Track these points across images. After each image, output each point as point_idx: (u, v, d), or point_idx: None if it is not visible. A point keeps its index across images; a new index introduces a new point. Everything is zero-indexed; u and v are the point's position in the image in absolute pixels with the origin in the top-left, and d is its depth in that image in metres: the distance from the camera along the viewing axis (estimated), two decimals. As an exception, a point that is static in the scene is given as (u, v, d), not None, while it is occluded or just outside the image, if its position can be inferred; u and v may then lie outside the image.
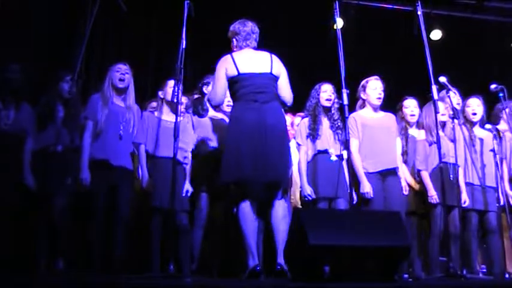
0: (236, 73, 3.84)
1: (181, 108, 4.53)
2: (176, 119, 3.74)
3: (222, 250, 4.51)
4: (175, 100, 3.80)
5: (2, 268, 3.76)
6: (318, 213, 3.70)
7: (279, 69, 3.95)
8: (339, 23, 4.13)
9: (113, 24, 6.23)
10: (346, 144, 4.29)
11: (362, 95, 4.66)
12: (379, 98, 4.59)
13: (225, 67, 3.87)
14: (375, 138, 4.48)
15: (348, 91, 3.92)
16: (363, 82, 4.66)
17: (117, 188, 4.18)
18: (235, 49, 4.00)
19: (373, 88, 4.59)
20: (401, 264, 4.13)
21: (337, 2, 4.09)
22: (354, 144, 4.48)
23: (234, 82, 3.86)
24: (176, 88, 3.80)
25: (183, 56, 3.81)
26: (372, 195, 4.34)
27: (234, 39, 4.01)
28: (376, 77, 4.65)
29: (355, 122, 4.52)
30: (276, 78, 3.92)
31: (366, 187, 4.35)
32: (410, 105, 4.94)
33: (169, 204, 3.83)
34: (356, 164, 4.43)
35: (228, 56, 3.93)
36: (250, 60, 3.90)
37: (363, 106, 4.67)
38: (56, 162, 4.22)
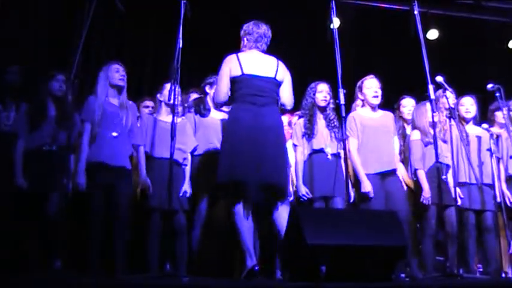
0: (240, 73, 3.82)
1: (181, 108, 4.56)
2: (173, 119, 3.74)
3: (221, 251, 4.51)
4: (171, 100, 3.79)
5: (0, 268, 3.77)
6: (315, 212, 3.70)
7: (284, 75, 3.95)
8: (336, 22, 4.12)
9: (110, 24, 6.22)
10: (343, 143, 4.29)
11: (359, 95, 4.65)
12: (376, 97, 4.56)
13: (230, 66, 3.85)
14: (374, 139, 4.47)
15: (344, 90, 3.93)
16: (359, 82, 4.66)
17: (115, 188, 4.16)
18: (244, 49, 3.98)
19: (369, 87, 4.58)
20: (398, 263, 4.13)
21: (333, 2, 4.09)
22: (353, 143, 4.48)
23: (236, 82, 3.83)
24: (173, 88, 3.79)
25: (179, 56, 3.80)
26: (372, 195, 4.33)
27: (245, 39, 3.99)
28: (371, 76, 4.64)
29: (354, 122, 4.52)
30: (278, 84, 3.92)
31: (367, 186, 4.34)
32: (408, 105, 4.95)
33: (167, 205, 3.91)
34: (356, 163, 4.43)
35: (234, 55, 3.91)
36: (256, 62, 3.88)
37: (362, 106, 4.66)
38: (50, 161, 4.22)
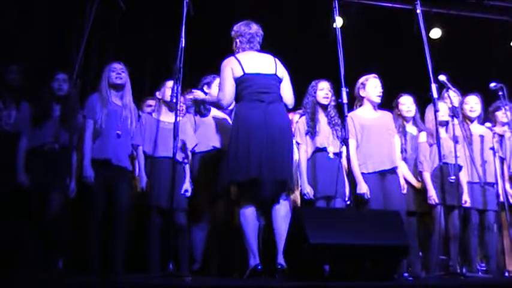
0: (242, 73, 3.82)
1: (183, 108, 4.56)
2: (176, 118, 3.72)
3: (223, 249, 4.51)
4: (174, 100, 3.78)
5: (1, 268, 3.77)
6: (318, 212, 3.70)
7: (283, 72, 3.96)
8: (339, 21, 4.12)
9: (112, 23, 6.21)
10: (345, 142, 4.29)
11: (361, 93, 4.64)
12: (380, 96, 4.58)
13: (231, 67, 3.84)
14: (374, 138, 4.47)
15: (347, 89, 3.92)
16: (362, 80, 4.64)
17: (116, 188, 4.19)
18: (238, 50, 3.98)
19: (374, 86, 4.58)
20: (401, 263, 4.13)
21: (336, 1, 4.08)
22: (351, 144, 4.48)
23: (239, 82, 3.83)
24: (175, 88, 3.78)
25: (182, 55, 3.79)
26: (368, 196, 4.33)
27: (238, 40, 3.99)
28: (374, 75, 4.65)
29: (353, 122, 4.51)
30: (280, 80, 3.92)
31: (363, 188, 4.34)
32: (407, 102, 4.94)
33: (168, 204, 3.88)
34: (353, 164, 4.40)
35: (232, 57, 3.91)
36: (255, 61, 3.89)
37: (360, 105, 4.67)
38: (52, 160, 4.22)
